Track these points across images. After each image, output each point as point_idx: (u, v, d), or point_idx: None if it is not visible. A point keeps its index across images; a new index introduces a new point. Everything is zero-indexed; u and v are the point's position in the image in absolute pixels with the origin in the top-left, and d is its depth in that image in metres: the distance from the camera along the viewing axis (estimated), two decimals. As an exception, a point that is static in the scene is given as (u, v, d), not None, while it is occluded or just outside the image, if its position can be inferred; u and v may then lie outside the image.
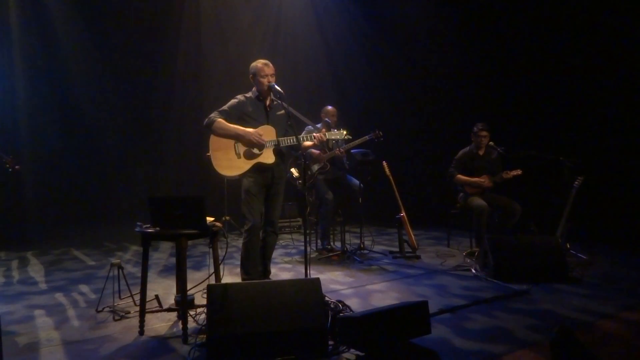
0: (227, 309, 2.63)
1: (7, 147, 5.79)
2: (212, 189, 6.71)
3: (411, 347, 2.77)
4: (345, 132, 3.96)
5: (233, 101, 3.83)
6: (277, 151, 3.78)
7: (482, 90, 7.18)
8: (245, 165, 3.68)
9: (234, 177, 3.78)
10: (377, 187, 6.30)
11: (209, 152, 3.71)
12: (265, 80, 3.73)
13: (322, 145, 5.42)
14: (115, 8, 7.36)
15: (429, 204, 7.42)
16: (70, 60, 7.20)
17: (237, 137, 3.68)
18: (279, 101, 3.79)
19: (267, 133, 3.74)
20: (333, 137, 3.91)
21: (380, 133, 5.33)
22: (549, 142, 6.08)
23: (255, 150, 3.71)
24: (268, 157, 3.72)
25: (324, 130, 3.83)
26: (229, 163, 3.68)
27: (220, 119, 3.67)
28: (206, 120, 3.71)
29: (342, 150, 5.34)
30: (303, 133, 3.83)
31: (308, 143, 3.77)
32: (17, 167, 4.56)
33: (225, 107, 3.79)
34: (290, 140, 3.70)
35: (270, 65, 3.79)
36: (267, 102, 3.88)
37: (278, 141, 3.71)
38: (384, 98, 8.43)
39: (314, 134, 3.77)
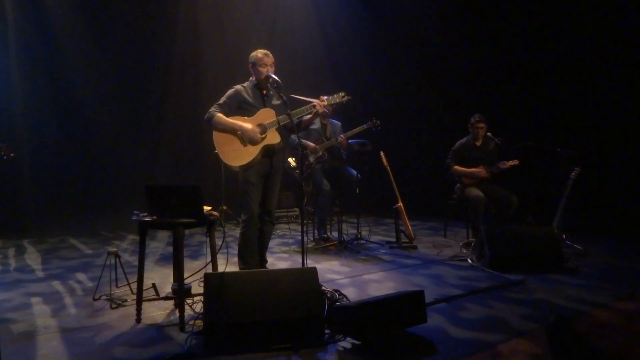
0: (224, 297, 2.64)
1: (2, 135, 5.75)
2: (210, 178, 6.69)
3: (407, 336, 2.79)
4: (342, 94, 3.93)
5: (230, 91, 3.82)
6: (280, 130, 3.79)
7: (480, 81, 7.17)
8: (254, 150, 3.67)
9: (246, 166, 3.74)
10: (375, 177, 6.29)
11: (215, 150, 3.68)
12: (264, 70, 3.74)
13: (319, 134, 5.42)
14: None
15: (426, 195, 7.43)
16: (66, 48, 7.12)
17: (236, 133, 3.66)
18: (276, 91, 3.79)
19: (267, 116, 3.73)
20: (334, 102, 3.90)
21: (378, 122, 5.32)
22: (546, 133, 6.09)
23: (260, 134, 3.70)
24: (273, 137, 3.71)
25: (322, 97, 3.84)
26: (238, 153, 3.66)
27: (219, 114, 3.66)
28: (206, 115, 3.70)
29: (341, 138, 5.32)
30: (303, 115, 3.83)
31: (308, 117, 3.82)
32: (12, 155, 4.52)
33: (223, 99, 3.77)
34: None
35: (270, 55, 3.79)
36: (265, 91, 3.87)
37: (278, 120, 3.71)
38: (382, 87, 8.40)
39: (314, 102, 3.76)
